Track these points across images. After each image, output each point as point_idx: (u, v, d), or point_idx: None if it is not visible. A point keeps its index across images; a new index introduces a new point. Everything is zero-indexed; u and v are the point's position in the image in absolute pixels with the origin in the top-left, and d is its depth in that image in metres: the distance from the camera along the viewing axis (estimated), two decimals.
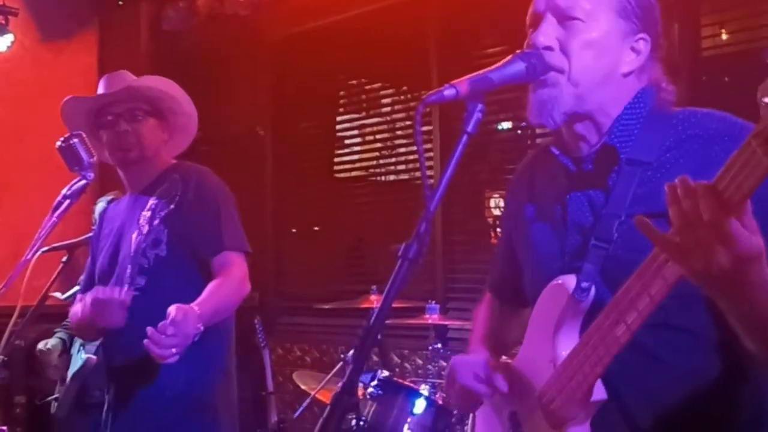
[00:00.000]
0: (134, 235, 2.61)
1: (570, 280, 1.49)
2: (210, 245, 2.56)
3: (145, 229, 2.60)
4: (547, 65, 1.50)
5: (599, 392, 1.45)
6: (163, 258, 2.57)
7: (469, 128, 1.42)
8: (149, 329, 2.24)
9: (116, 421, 2.64)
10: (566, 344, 1.49)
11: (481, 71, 1.44)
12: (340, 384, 1.30)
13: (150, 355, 2.26)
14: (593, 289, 1.47)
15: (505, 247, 1.85)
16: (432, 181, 1.38)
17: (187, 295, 2.45)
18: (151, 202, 2.63)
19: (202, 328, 2.34)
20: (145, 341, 2.23)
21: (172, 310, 2.28)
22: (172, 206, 2.58)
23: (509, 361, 1.72)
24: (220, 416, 2.63)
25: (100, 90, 2.72)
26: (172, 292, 2.50)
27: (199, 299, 2.41)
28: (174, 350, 2.28)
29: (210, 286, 2.48)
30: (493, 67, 1.47)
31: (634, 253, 1.33)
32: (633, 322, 1.31)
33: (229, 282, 2.51)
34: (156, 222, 2.59)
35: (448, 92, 1.40)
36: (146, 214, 2.62)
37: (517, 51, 1.52)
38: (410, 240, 1.37)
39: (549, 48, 1.51)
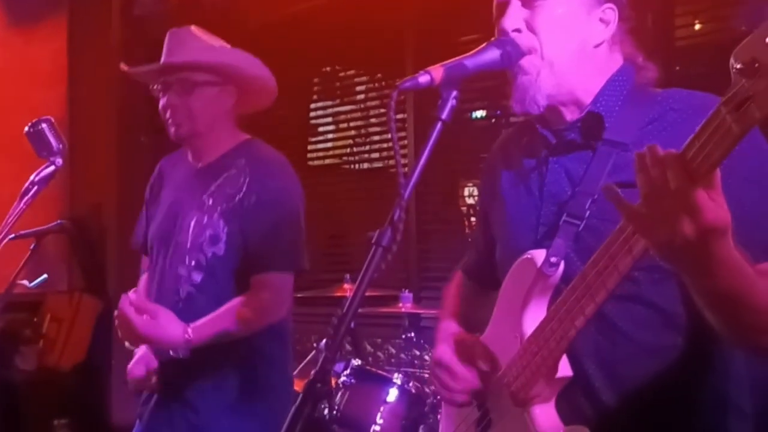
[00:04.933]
0: (193, 222, 2.47)
1: (539, 255, 1.49)
2: (257, 263, 2.40)
3: (205, 219, 2.45)
4: (521, 51, 1.51)
5: (564, 369, 1.45)
6: (221, 257, 2.43)
7: (444, 115, 1.42)
8: (131, 295, 2.21)
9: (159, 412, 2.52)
10: (533, 320, 1.49)
11: (455, 58, 1.45)
12: (312, 372, 1.28)
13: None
14: (562, 264, 1.47)
15: (481, 227, 1.86)
16: (406, 169, 1.38)
17: None
18: (215, 187, 2.48)
19: (182, 355, 2.28)
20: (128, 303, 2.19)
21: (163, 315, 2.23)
22: (234, 201, 2.43)
23: (477, 336, 1.71)
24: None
25: (164, 48, 2.52)
26: (228, 295, 2.40)
27: (199, 323, 2.30)
28: (121, 333, 2.24)
29: (217, 314, 2.35)
30: (468, 54, 1.47)
31: (608, 223, 1.34)
32: (599, 296, 1.32)
33: (245, 310, 2.36)
34: (216, 215, 2.44)
35: (423, 79, 1.40)
36: (207, 200, 2.47)
37: (492, 39, 1.53)
38: (384, 227, 1.36)
39: (517, 30, 1.53)
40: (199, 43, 2.53)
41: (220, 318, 2.36)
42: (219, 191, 2.47)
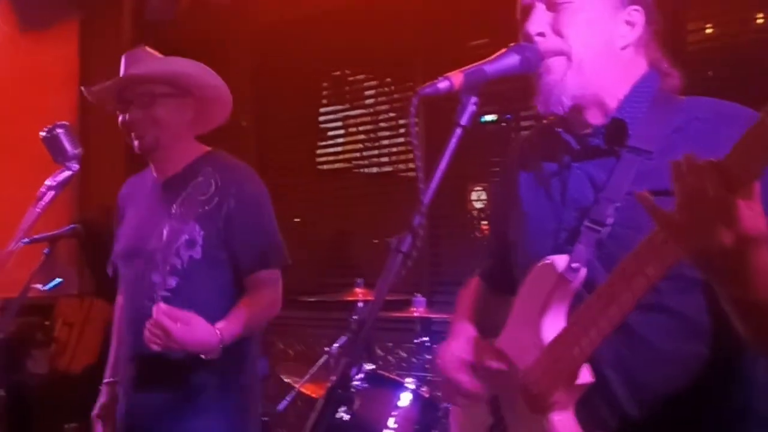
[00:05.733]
0: (166, 230, 2.51)
1: (560, 260, 1.49)
2: (248, 264, 2.50)
3: (178, 225, 2.50)
4: (541, 56, 1.51)
5: (585, 375, 1.44)
6: (198, 261, 2.48)
7: (463, 121, 1.43)
8: (162, 305, 2.26)
9: (134, 411, 2.57)
10: (553, 326, 1.48)
11: (475, 64, 1.45)
12: (333, 377, 1.29)
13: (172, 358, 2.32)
14: (583, 271, 1.47)
15: (494, 231, 1.85)
16: (416, 173, 1.38)
17: (219, 304, 2.44)
18: (183, 195, 2.53)
19: (212, 357, 2.32)
20: (156, 310, 2.24)
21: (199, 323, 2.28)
22: (209, 206, 2.49)
23: (492, 341, 1.70)
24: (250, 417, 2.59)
25: (121, 70, 2.61)
26: (203, 298, 2.46)
27: (225, 323, 2.36)
28: (158, 341, 2.27)
29: (239, 312, 2.42)
30: (487, 59, 1.48)
31: (632, 230, 1.33)
32: (626, 304, 1.31)
33: (257, 307, 2.47)
34: (190, 220, 2.49)
35: (443, 84, 1.41)
36: (178, 209, 2.52)
37: (511, 44, 1.53)
38: (404, 233, 1.36)
39: (541, 34, 1.53)
40: (155, 58, 2.65)
41: (240, 315, 2.42)
42: (189, 198, 2.52)
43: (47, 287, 3.73)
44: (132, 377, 2.57)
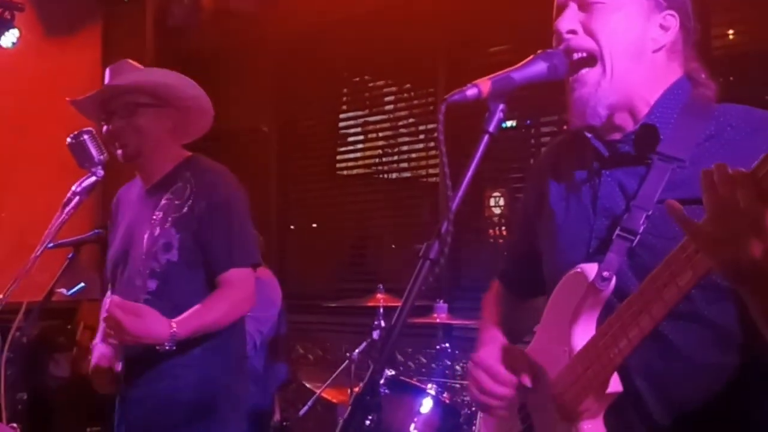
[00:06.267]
0: (146, 236, 2.59)
1: (591, 269, 1.47)
2: (218, 263, 2.54)
3: (157, 231, 2.57)
4: (569, 63, 1.50)
5: (614, 384, 1.43)
6: (175, 263, 2.55)
7: (491, 128, 1.42)
8: (115, 298, 2.36)
9: (129, 415, 2.64)
10: (583, 334, 1.47)
11: (502, 71, 1.44)
12: (361, 384, 1.29)
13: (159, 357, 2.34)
14: (614, 280, 1.46)
15: (520, 236, 1.84)
16: (436, 179, 1.38)
17: (197, 303, 2.48)
18: (164, 201, 2.60)
19: (169, 347, 2.37)
20: (111, 302, 2.33)
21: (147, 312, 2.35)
22: (184, 210, 2.55)
23: (522, 348, 1.69)
24: (230, 416, 2.62)
25: (105, 80, 2.68)
26: (182, 299, 2.51)
27: (182, 317, 2.42)
28: (112, 333, 2.36)
29: (199, 307, 2.47)
30: (514, 66, 1.46)
31: (664, 239, 1.32)
32: (658, 313, 1.30)
33: (222, 303, 2.51)
34: (167, 225, 2.56)
35: (471, 92, 1.39)
36: (158, 214, 2.59)
37: (539, 51, 1.52)
38: (431, 240, 1.36)
39: (573, 32, 1.52)
40: (138, 70, 2.71)
41: (201, 312, 2.47)
42: (168, 204, 2.59)
43: (71, 292, 3.76)
44: (123, 377, 2.65)
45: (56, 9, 5.84)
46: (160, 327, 2.38)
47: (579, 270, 1.50)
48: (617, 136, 1.56)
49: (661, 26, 1.54)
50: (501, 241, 4.64)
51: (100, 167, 2.48)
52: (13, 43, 5.21)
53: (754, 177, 1.08)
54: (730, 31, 3.89)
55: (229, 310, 2.53)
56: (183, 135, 2.74)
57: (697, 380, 1.44)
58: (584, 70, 1.51)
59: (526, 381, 1.59)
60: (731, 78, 3.79)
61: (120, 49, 5.92)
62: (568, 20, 1.53)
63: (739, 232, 1.10)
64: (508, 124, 4.71)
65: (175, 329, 2.38)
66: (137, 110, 2.59)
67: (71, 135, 2.46)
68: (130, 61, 2.74)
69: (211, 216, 2.55)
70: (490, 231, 4.79)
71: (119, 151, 2.61)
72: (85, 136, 2.45)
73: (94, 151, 2.45)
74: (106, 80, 2.68)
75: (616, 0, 1.52)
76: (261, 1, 5.28)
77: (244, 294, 2.57)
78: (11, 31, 5.16)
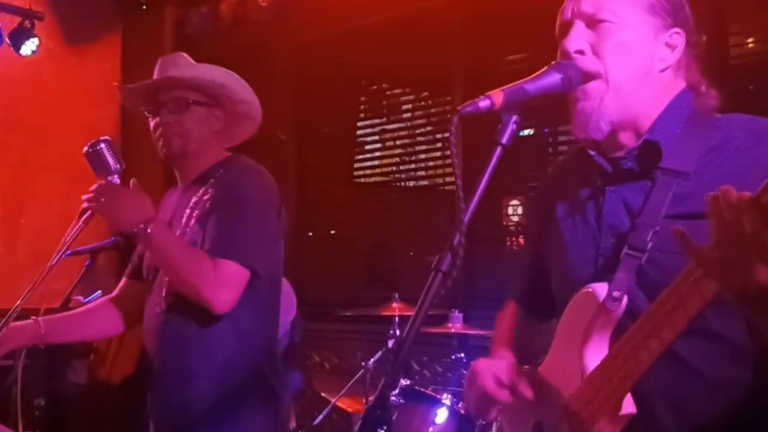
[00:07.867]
0: (177, 233, 2.52)
1: (601, 289, 1.47)
2: (209, 245, 2.38)
3: (185, 229, 2.51)
4: (582, 74, 1.49)
5: (628, 406, 1.42)
6: None
7: (504, 140, 1.41)
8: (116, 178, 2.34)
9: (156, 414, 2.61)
10: (595, 355, 1.46)
11: (516, 82, 1.43)
12: (372, 398, 1.28)
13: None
14: (625, 299, 1.45)
15: (531, 255, 1.83)
16: (453, 187, 1.38)
17: None
18: (194, 199, 2.54)
19: (136, 230, 2.30)
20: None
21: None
22: (207, 205, 2.48)
23: (535, 368, 1.69)
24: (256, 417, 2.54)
25: (155, 73, 2.62)
26: None
27: (167, 229, 2.37)
28: (90, 195, 2.33)
29: (185, 243, 2.41)
30: (528, 78, 1.46)
31: (671, 255, 1.31)
32: (667, 337, 1.29)
33: (199, 265, 2.32)
34: (192, 222, 2.50)
35: (483, 103, 1.39)
36: (187, 212, 2.53)
37: (552, 62, 1.51)
38: (444, 252, 1.36)
39: (580, 52, 1.51)
40: (193, 65, 2.64)
41: (182, 247, 2.38)
42: (197, 201, 2.53)
43: (88, 299, 3.79)
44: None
45: (76, 17, 5.88)
46: (137, 209, 2.32)
47: (590, 290, 1.49)
48: (620, 152, 1.55)
49: (668, 45, 1.53)
50: (517, 249, 4.62)
51: (116, 176, 2.48)
52: (33, 52, 5.24)
53: (759, 201, 1.07)
54: (750, 40, 3.86)
55: (203, 271, 2.32)
56: (227, 138, 2.68)
57: (710, 396, 1.43)
58: (589, 83, 1.50)
59: (539, 399, 1.58)
60: (750, 87, 3.76)
61: (139, 58, 5.97)
62: (576, 40, 1.52)
63: (745, 257, 1.09)
64: (526, 132, 4.69)
65: (148, 217, 2.31)
66: (188, 108, 2.53)
67: (88, 144, 2.46)
68: (185, 54, 2.68)
69: (221, 202, 2.45)
70: (507, 240, 4.77)
71: (163, 148, 2.56)
72: (102, 145, 2.44)
73: (110, 160, 2.45)
74: (158, 71, 2.62)
75: (626, 19, 1.51)
76: (279, 10, 5.29)
77: (221, 281, 2.33)
78: (31, 39, 5.19)
